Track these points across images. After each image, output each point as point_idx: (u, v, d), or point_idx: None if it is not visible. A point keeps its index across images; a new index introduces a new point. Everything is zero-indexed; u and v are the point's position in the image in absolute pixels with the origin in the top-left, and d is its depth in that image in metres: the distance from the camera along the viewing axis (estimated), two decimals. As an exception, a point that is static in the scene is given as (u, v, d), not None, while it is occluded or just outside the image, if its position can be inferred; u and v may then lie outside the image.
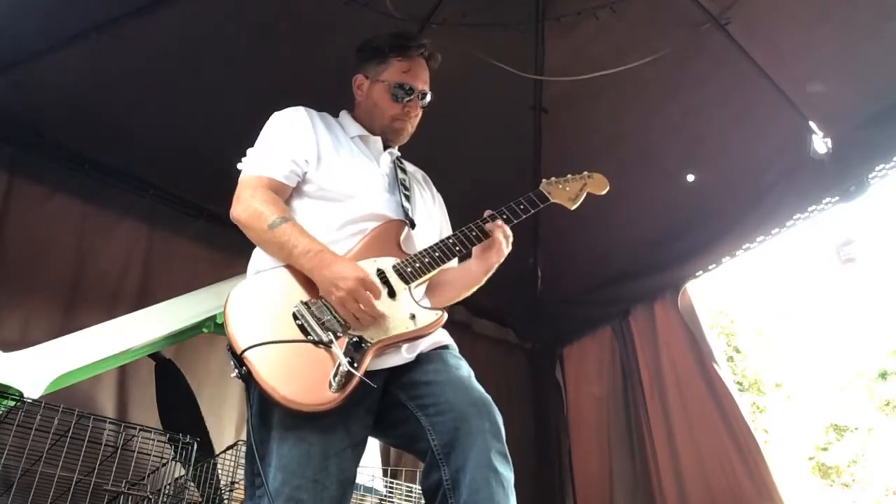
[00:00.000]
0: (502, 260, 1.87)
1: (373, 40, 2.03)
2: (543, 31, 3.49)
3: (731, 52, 3.26)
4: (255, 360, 1.49)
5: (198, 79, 3.34)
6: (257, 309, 1.60)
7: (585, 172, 2.04)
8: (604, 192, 2.03)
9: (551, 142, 3.92)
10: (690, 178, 3.75)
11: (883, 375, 12.06)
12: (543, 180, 2.00)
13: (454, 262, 1.90)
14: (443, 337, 1.78)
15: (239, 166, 1.86)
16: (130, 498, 2.17)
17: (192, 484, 2.65)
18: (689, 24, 3.21)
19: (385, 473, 3.43)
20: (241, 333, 1.52)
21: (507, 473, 1.55)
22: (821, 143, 3.40)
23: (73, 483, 2.12)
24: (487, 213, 1.88)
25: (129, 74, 3.26)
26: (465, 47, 3.26)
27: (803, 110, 3.38)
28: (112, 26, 3.09)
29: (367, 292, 1.59)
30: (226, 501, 2.76)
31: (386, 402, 1.66)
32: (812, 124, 3.40)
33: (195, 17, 3.15)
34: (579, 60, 3.43)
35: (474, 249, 1.86)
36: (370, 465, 3.06)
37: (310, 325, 1.57)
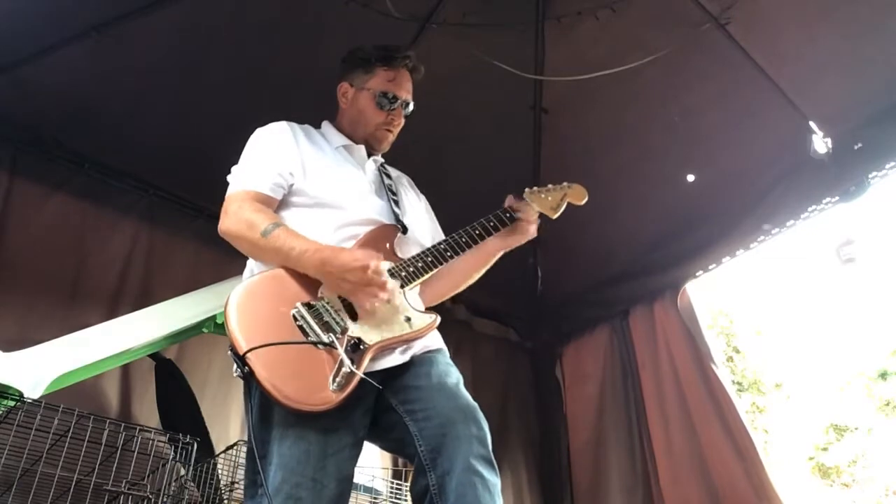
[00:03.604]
0: (525, 241, 1.96)
1: (358, 50, 2.07)
2: (543, 31, 3.49)
3: (731, 52, 3.26)
4: (256, 360, 1.51)
5: (198, 78, 3.34)
6: (258, 310, 1.62)
7: (565, 183, 2.08)
8: (583, 203, 2.07)
9: (551, 142, 3.92)
10: (690, 178, 3.75)
11: (883, 375, 12.05)
12: (526, 189, 2.04)
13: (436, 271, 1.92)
14: (434, 341, 1.81)
15: (228, 178, 1.87)
16: (130, 498, 2.16)
17: (191, 484, 2.65)
18: (689, 24, 3.21)
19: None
20: (242, 334, 1.54)
21: (494, 478, 1.56)
22: (821, 143, 3.39)
23: (73, 483, 2.12)
24: (510, 198, 1.97)
25: (129, 74, 3.26)
26: (465, 47, 3.26)
27: (803, 110, 3.38)
28: (112, 26, 3.09)
29: (376, 275, 1.62)
30: (226, 501, 2.76)
31: (379, 406, 1.68)
32: (812, 124, 3.39)
33: (195, 17, 3.16)
34: (579, 60, 3.43)
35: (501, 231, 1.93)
36: (371, 465, 3.07)
37: (310, 325, 1.59)
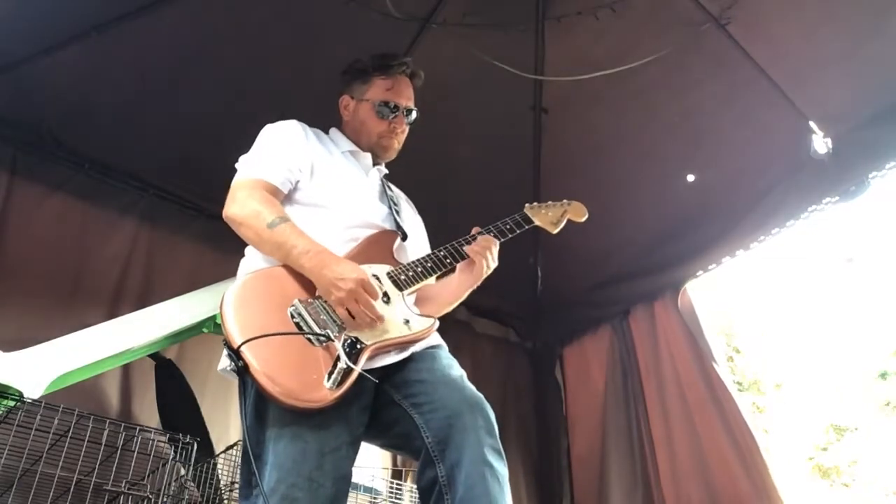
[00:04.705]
0: (485, 276, 1.92)
1: (356, 62, 2.09)
2: (543, 31, 3.48)
3: (731, 52, 3.26)
4: (251, 355, 1.50)
5: (198, 78, 3.34)
6: (254, 306, 1.62)
7: (565, 200, 2.12)
8: (583, 220, 2.11)
9: (551, 142, 3.92)
10: (690, 178, 3.75)
11: (883, 375, 12.05)
12: (526, 205, 2.07)
13: (432, 278, 1.93)
14: (434, 338, 1.81)
15: (236, 165, 1.88)
16: (130, 498, 2.17)
17: (191, 484, 2.65)
18: (689, 24, 3.21)
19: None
20: (237, 329, 1.53)
21: (502, 469, 1.57)
22: (821, 143, 3.39)
23: (73, 483, 2.12)
24: (475, 230, 1.94)
25: (129, 74, 3.26)
26: (465, 47, 3.26)
27: (803, 110, 3.37)
28: (112, 26, 3.09)
29: (366, 294, 1.61)
30: (226, 501, 2.76)
31: (379, 403, 1.68)
32: (812, 124, 3.39)
33: (195, 17, 3.16)
34: (579, 60, 3.43)
35: (459, 265, 1.91)
36: (370, 465, 3.07)
37: (306, 322, 1.59)
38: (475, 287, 1.94)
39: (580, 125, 3.86)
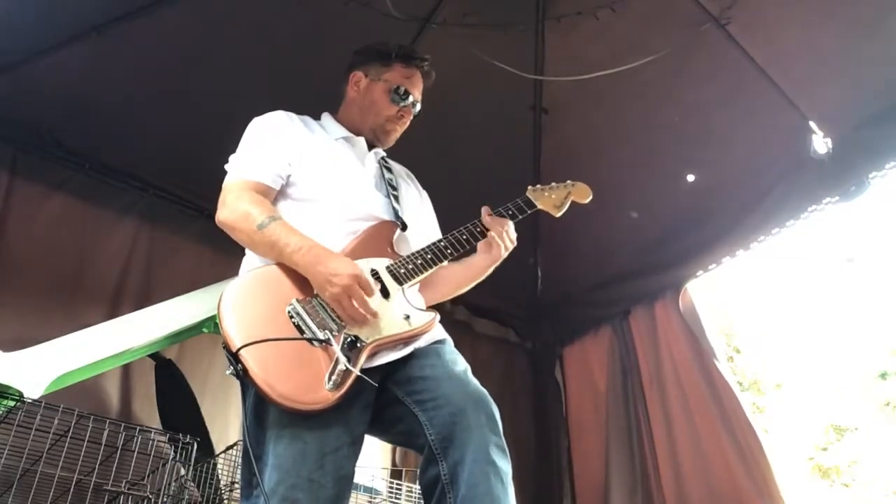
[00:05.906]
0: (507, 253, 1.93)
1: (378, 44, 2.09)
2: (543, 31, 3.48)
3: (731, 52, 3.26)
4: (250, 358, 1.48)
5: (198, 78, 3.34)
6: (251, 307, 1.60)
7: (569, 181, 2.08)
8: (587, 201, 2.07)
9: (551, 142, 3.92)
10: (690, 178, 3.75)
11: (883, 375, 12.05)
12: (529, 187, 2.04)
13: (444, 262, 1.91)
14: (438, 332, 1.79)
15: (226, 167, 1.86)
16: (130, 498, 2.17)
17: (191, 484, 2.65)
18: (689, 24, 3.21)
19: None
20: (235, 331, 1.52)
21: (506, 467, 1.56)
22: (821, 143, 3.39)
23: (73, 483, 2.12)
24: (486, 210, 1.91)
25: (130, 74, 3.27)
26: (465, 47, 3.26)
27: (803, 110, 3.37)
28: (112, 26, 3.10)
29: (362, 290, 1.60)
30: (226, 501, 2.76)
31: (383, 400, 1.66)
32: (812, 124, 3.39)
33: (195, 17, 3.16)
34: (579, 60, 3.43)
35: (479, 245, 1.90)
36: (371, 464, 3.07)
37: (305, 322, 1.57)
38: (494, 266, 1.94)
39: (580, 125, 3.86)
